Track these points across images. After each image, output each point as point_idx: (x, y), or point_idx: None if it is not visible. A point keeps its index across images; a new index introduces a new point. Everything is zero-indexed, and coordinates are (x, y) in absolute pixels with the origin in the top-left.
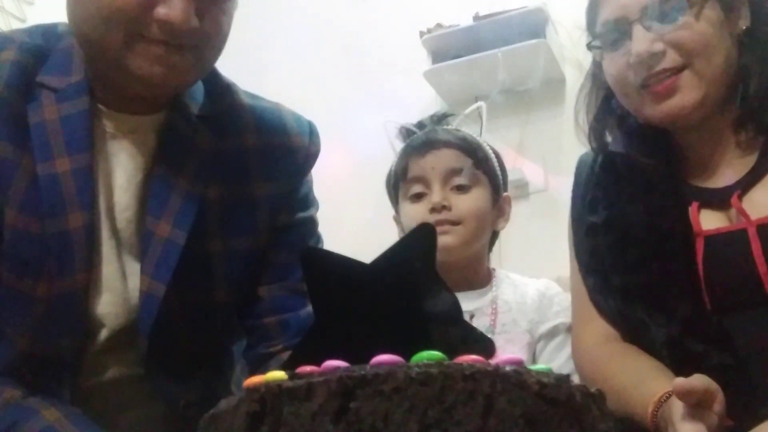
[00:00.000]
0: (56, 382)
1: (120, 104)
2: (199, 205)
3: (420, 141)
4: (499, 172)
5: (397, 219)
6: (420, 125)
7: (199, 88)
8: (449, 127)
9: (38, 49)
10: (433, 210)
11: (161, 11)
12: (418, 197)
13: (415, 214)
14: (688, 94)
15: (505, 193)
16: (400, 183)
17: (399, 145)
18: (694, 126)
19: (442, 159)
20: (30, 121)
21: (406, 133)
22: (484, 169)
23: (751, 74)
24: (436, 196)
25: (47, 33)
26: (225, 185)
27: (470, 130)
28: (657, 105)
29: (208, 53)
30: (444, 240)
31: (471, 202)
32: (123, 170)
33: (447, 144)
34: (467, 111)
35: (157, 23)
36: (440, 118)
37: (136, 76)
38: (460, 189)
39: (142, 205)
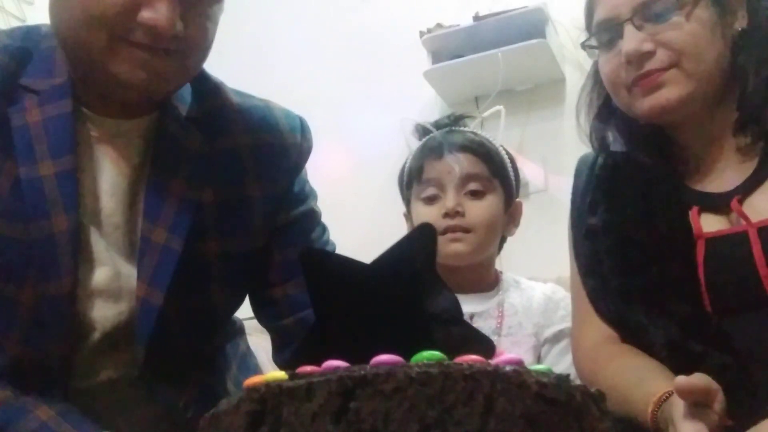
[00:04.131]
0: (48, 386)
1: (104, 107)
2: (194, 210)
3: (437, 143)
4: (513, 179)
5: (408, 217)
6: (437, 125)
7: (186, 89)
8: (466, 129)
9: (20, 51)
10: (447, 215)
11: (145, 15)
12: (431, 200)
13: (428, 216)
14: (673, 89)
15: (517, 199)
16: (414, 183)
17: (413, 143)
18: (686, 124)
19: (459, 164)
20: (12, 124)
21: (423, 131)
22: (499, 176)
23: (748, 76)
24: (450, 201)
25: (29, 34)
26: (219, 187)
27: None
28: (643, 99)
29: (193, 59)
30: (455, 247)
31: (484, 209)
32: (108, 175)
33: (464, 148)
34: (486, 114)
35: (142, 27)
36: (457, 119)
37: (119, 81)
38: (474, 195)
39: (131, 210)
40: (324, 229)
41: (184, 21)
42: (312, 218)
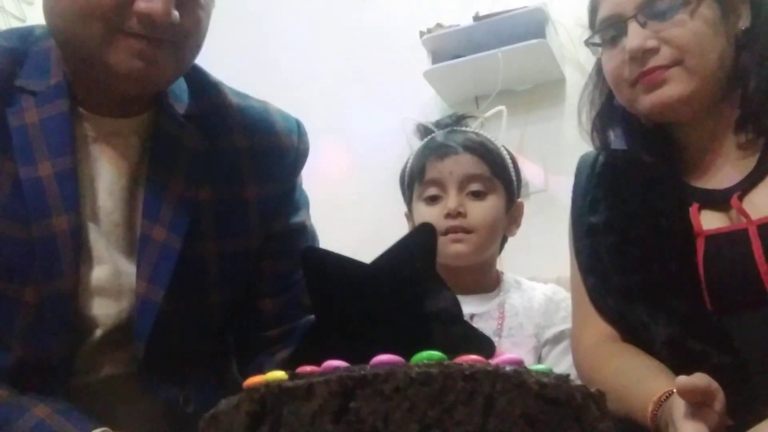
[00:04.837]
0: (50, 383)
1: (100, 107)
2: (192, 208)
3: (439, 143)
4: (514, 179)
5: (409, 216)
6: (438, 125)
7: (183, 88)
8: (468, 129)
9: (16, 53)
10: (448, 216)
11: (141, 5)
12: (432, 200)
13: (429, 217)
14: (676, 86)
15: (518, 200)
16: (416, 183)
17: (415, 142)
18: (688, 122)
19: (461, 164)
20: (10, 125)
21: (424, 131)
22: (501, 176)
23: (750, 75)
24: (451, 202)
25: (24, 36)
26: (217, 187)
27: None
28: (646, 96)
29: (187, 50)
30: (457, 248)
31: (485, 209)
32: (106, 174)
33: (466, 149)
34: (488, 114)
35: (138, 17)
36: (459, 119)
37: (115, 72)
38: (476, 195)
39: (130, 209)
40: (314, 239)
41: (178, 11)
42: (303, 232)
